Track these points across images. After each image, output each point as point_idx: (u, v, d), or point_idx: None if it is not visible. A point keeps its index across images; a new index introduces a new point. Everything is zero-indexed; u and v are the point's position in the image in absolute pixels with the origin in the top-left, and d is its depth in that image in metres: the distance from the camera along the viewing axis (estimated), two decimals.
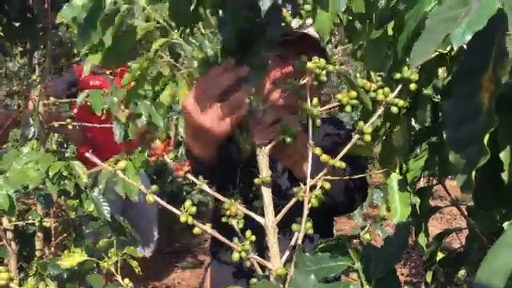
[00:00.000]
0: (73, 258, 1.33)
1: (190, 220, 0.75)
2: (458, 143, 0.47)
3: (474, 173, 0.44)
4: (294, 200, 0.75)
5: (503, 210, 0.73)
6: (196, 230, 0.76)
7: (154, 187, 0.75)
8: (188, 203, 0.76)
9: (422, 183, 4.16)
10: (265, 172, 0.77)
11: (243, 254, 0.77)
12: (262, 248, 0.81)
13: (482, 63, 0.46)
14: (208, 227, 0.77)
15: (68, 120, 2.41)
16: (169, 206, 0.76)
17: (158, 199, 0.75)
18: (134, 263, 1.52)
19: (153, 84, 0.76)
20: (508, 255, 0.35)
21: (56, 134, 2.73)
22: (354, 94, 0.75)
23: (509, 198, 0.63)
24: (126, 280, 1.24)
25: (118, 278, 1.24)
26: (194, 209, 0.76)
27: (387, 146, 0.76)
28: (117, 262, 1.30)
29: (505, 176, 0.57)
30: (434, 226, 4.29)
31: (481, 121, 0.45)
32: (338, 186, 1.11)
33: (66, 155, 2.98)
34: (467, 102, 0.47)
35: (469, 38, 0.43)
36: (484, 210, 0.72)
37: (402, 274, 3.88)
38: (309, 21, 1.07)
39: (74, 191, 1.95)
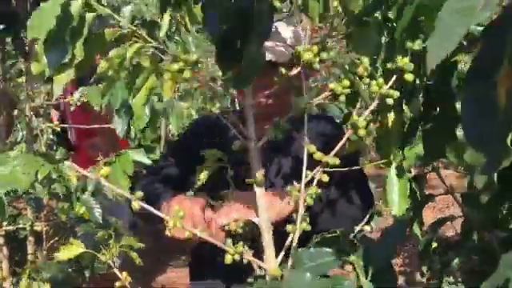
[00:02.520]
0: (70, 250, 1.30)
1: (179, 224, 0.73)
2: (477, 142, 0.45)
3: (496, 173, 0.42)
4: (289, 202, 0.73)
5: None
6: (187, 234, 0.75)
7: (139, 193, 0.74)
8: (177, 207, 0.75)
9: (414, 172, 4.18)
10: (257, 171, 0.75)
11: (236, 257, 0.75)
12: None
13: (497, 57, 0.43)
14: (199, 230, 0.76)
15: (56, 122, 2.38)
16: (155, 211, 0.74)
17: (144, 204, 0.74)
18: (134, 255, 1.49)
19: (132, 76, 0.73)
20: None
21: (45, 136, 2.70)
22: (346, 82, 0.72)
23: None
24: (124, 273, 1.21)
25: (116, 271, 1.21)
26: (181, 213, 0.74)
27: (382, 134, 0.75)
28: (115, 254, 1.28)
29: None
30: (427, 215, 4.31)
31: (502, 119, 0.42)
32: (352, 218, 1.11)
33: (56, 157, 2.95)
34: (484, 98, 0.44)
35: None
36: (494, 211, 0.71)
37: (396, 264, 3.90)
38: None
39: (64, 194, 1.92)
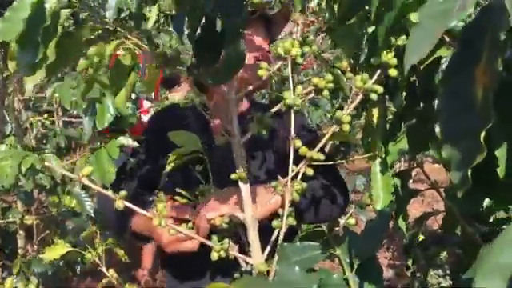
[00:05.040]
0: (55, 250, 1.31)
1: (164, 222, 0.74)
2: (452, 138, 0.46)
3: (470, 170, 0.43)
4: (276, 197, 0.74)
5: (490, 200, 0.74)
6: (172, 232, 0.76)
7: (123, 192, 0.73)
8: (161, 206, 0.75)
9: (402, 167, 4.20)
10: (241, 166, 0.75)
11: (222, 253, 0.76)
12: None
13: (476, 55, 0.44)
14: (184, 228, 0.77)
15: (45, 115, 2.37)
16: (140, 210, 0.74)
17: (128, 204, 0.73)
18: (120, 252, 1.51)
19: (112, 73, 0.73)
20: (509, 254, 0.34)
21: (34, 130, 2.68)
22: (330, 77, 0.73)
23: (504, 193, 0.63)
24: (111, 271, 1.23)
25: (103, 268, 1.23)
26: (165, 211, 0.75)
27: (367, 130, 0.76)
28: (101, 252, 1.29)
29: (500, 172, 0.56)
30: (415, 209, 4.35)
31: (476, 116, 0.43)
32: (323, 209, 1.13)
33: (46, 151, 2.93)
34: (461, 95, 0.46)
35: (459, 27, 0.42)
36: (474, 205, 0.73)
37: (386, 258, 3.94)
38: None
39: (50, 185, 1.91)
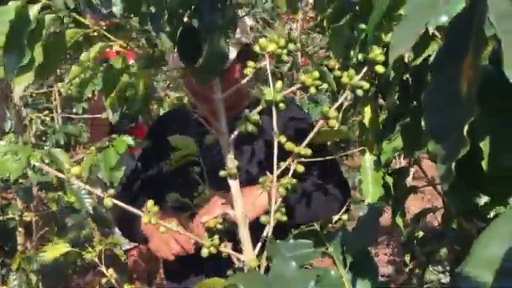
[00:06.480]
0: (55, 250, 1.31)
1: (154, 220, 0.74)
2: (437, 132, 0.46)
3: (453, 163, 0.42)
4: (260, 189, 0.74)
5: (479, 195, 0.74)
6: (162, 229, 0.76)
7: (112, 191, 0.73)
8: (150, 203, 0.75)
9: (403, 163, 4.19)
10: (230, 163, 0.75)
11: (212, 250, 0.76)
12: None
13: (462, 49, 0.44)
14: (174, 225, 0.76)
15: (45, 112, 2.38)
16: (130, 208, 0.74)
17: (117, 202, 0.73)
18: (120, 252, 1.51)
19: (104, 77, 0.72)
20: (496, 246, 0.35)
21: (34, 127, 2.69)
22: (317, 74, 0.72)
23: (490, 186, 0.63)
24: (111, 270, 1.24)
25: (103, 268, 1.23)
26: (155, 208, 0.75)
27: (362, 127, 0.76)
28: (101, 252, 1.29)
29: (484, 165, 0.56)
30: (415, 206, 4.35)
31: (460, 109, 0.43)
32: (321, 206, 1.12)
33: (46, 148, 2.93)
34: (446, 89, 0.45)
35: (444, 20, 0.43)
36: (459, 198, 0.73)
37: (385, 254, 3.94)
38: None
39: (56, 180, 1.92)
